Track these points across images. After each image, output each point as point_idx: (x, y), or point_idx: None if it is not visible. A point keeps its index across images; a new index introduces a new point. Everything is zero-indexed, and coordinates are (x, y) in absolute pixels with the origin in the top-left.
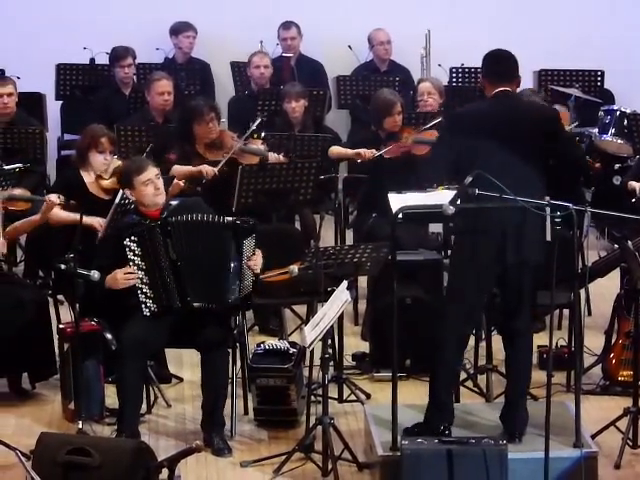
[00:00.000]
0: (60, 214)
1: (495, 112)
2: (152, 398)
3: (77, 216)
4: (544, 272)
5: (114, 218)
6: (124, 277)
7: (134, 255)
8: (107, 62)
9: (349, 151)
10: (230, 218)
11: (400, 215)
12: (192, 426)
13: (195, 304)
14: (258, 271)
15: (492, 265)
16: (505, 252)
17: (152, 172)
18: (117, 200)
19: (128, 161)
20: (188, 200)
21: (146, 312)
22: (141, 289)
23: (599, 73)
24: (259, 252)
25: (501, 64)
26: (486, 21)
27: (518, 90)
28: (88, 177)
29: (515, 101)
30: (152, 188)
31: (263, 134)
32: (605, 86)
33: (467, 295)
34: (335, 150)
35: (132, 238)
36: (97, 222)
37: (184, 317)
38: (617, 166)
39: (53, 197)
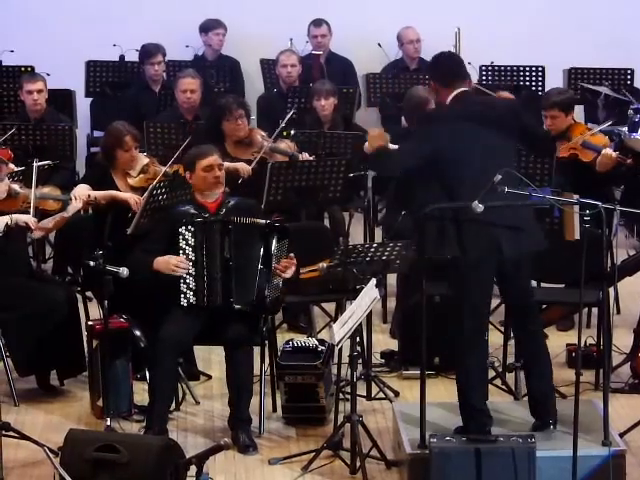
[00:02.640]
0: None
1: (466, 112)
2: (181, 395)
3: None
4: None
5: (144, 214)
6: (175, 264)
7: (187, 245)
8: (137, 59)
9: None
10: (263, 220)
11: None
12: (220, 423)
13: (236, 306)
14: (287, 276)
15: (489, 261)
16: (502, 246)
17: (215, 160)
18: (147, 193)
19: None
20: (243, 202)
21: (183, 302)
22: (184, 279)
23: (629, 71)
24: (293, 258)
25: (456, 65)
26: (516, 19)
27: None
28: (117, 176)
29: (479, 98)
30: (212, 176)
31: (293, 132)
32: (635, 84)
33: (471, 295)
34: None
35: (189, 228)
36: (132, 198)
37: (212, 314)
38: None
39: (80, 191)
